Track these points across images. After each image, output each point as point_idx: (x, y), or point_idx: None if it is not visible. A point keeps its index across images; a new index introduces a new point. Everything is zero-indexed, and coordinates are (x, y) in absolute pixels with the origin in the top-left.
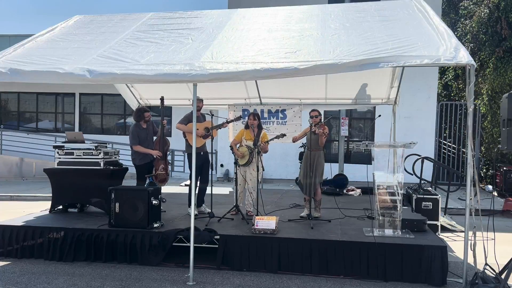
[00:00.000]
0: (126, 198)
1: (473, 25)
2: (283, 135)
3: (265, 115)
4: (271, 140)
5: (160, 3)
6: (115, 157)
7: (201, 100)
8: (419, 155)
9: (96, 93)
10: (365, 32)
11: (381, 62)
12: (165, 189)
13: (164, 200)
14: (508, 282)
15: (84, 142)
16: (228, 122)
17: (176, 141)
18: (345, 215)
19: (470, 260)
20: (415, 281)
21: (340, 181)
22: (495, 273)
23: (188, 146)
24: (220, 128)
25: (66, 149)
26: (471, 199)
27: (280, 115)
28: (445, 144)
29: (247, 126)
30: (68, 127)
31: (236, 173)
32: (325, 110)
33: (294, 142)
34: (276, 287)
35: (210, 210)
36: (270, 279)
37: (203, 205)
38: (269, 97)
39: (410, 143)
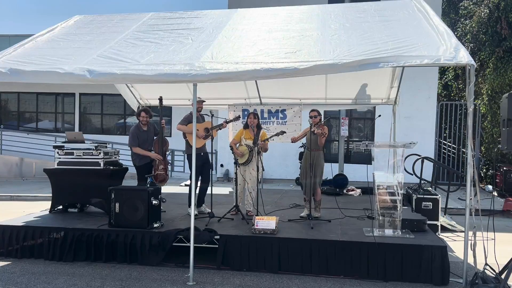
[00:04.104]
0: (126, 198)
1: (473, 25)
2: (283, 132)
3: (265, 115)
4: (270, 137)
5: (160, 3)
6: (115, 157)
7: (202, 101)
8: (419, 155)
9: (96, 93)
10: (365, 32)
11: (381, 62)
12: (165, 189)
13: (164, 200)
14: (508, 282)
15: (84, 142)
16: (227, 122)
17: (176, 141)
18: (345, 215)
19: (470, 260)
20: (415, 281)
21: (340, 181)
22: (495, 273)
23: (188, 147)
24: (220, 129)
25: (66, 149)
26: (471, 199)
27: (280, 115)
28: (445, 144)
29: (246, 126)
30: (68, 127)
31: (236, 173)
32: (325, 110)
33: (293, 142)
34: (276, 287)
35: (210, 210)
36: (270, 279)
37: (203, 205)
38: (269, 97)
39: (410, 143)
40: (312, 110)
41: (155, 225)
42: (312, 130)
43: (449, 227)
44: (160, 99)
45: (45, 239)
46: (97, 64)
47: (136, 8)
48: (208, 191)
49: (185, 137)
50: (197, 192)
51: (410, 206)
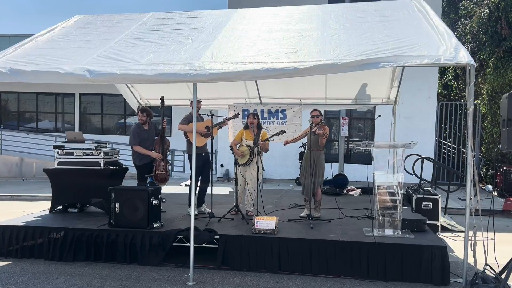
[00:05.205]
0: (126, 198)
1: (473, 25)
2: (283, 132)
3: (265, 115)
4: (271, 137)
5: (160, 3)
6: (115, 157)
7: (199, 101)
8: (419, 155)
9: (96, 93)
10: (365, 33)
11: (381, 62)
12: (165, 189)
13: (164, 200)
14: (508, 282)
15: (84, 142)
16: (227, 120)
17: (176, 141)
18: (345, 215)
19: (470, 260)
20: (415, 281)
21: (340, 181)
22: (495, 273)
23: (190, 147)
24: (221, 127)
25: (66, 149)
26: (471, 199)
27: (280, 115)
28: (445, 144)
29: (246, 126)
30: (68, 127)
31: (236, 173)
32: (325, 110)
33: (285, 144)
34: (276, 287)
35: (210, 210)
36: (270, 279)
37: (203, 205)
38: (269, 97)
39: (410, 143)
40: (314, 110)
41: (155, 225)
42: (313, 130)
43: (449, 227)
44: (162, 99)
45: (45, 239)
46: (97, 64)
47: (136, 8)
48: (208, 191)
49: (186, 136)
50: (197, 192)
51: (410, 206)
